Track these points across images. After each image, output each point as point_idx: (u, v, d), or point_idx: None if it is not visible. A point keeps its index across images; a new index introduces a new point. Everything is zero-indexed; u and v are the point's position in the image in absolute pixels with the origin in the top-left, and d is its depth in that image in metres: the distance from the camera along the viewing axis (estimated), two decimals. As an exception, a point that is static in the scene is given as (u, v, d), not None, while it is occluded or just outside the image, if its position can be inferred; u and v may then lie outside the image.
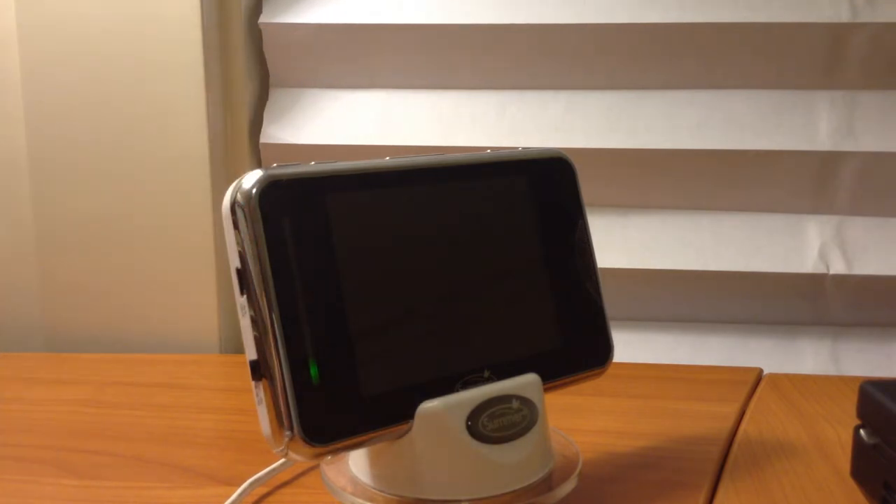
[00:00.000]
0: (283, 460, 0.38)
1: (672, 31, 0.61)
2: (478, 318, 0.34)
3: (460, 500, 0.32)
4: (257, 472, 0.38)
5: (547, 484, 0.34)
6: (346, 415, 0.30)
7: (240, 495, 0.36)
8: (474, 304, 0.34)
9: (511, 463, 0.33)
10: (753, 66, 0.62)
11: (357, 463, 0.34)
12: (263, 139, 0.65)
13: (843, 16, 0.59)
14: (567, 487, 0.34)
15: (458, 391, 0.32)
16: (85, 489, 0.39)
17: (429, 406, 0.31)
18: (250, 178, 0.29)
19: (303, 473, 0.39)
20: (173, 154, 0.62)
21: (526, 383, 0.34)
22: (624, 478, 0.38)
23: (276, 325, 0.29)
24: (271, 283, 0.28)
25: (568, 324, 0.36)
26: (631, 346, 0.62)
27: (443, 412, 0.31)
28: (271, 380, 0.29)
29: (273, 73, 0.67)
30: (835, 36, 0.60)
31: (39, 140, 0.63)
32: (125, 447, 0.43)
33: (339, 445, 0.30)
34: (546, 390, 0.35)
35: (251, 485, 0.37)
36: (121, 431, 0.46)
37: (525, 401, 0.33)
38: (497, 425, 0.32)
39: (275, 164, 0.30)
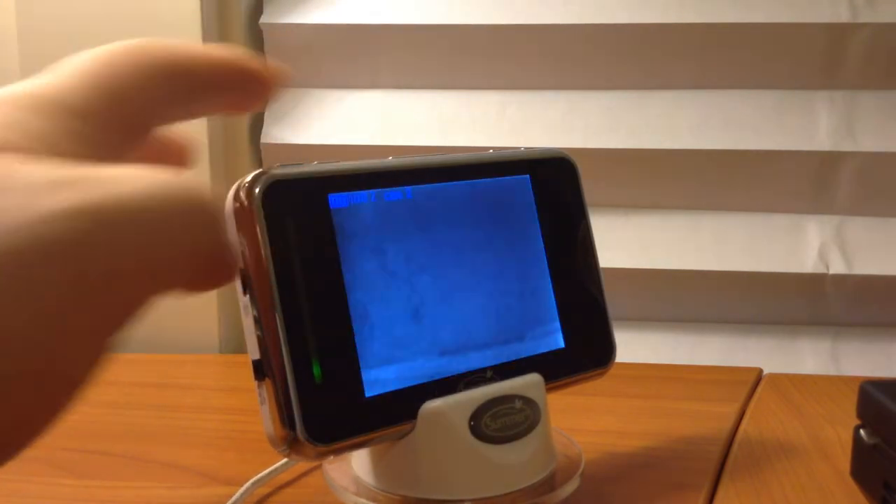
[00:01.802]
0: (284, 460, 0.38)
1: (672, 31, 0.61)
2: (480, 317, 0.34)
3: (463, 501, 0.32)
4: (258, 472, 0.38)
5: (549, 484, 0.34)
6: (350, 415, 0.30)
7: (241, 495, 0.36)
8: (477, 304, 0.34)
9: (514, 463, 0.33)
10: (753, 66, 0.62)
11: (359, 463, 0.34)
12: (264, 139, 0.65)
13: (843, 16, 0.59)
14: (570, 487, 0.34)
15: (460, 391, 0.32)
16: (84, 489, 0.39)
17: (432, 406, 0.31)
18: (253, 178, 0.29)
19: (305, 474, 0.39)
20: (173, 154, 0.62)
21: (528, 383, 0.34)
22: (624, 478, 0.38)
23: (279, 325, 0.29)
24: (274, 283, 0.29)
25: (570, 324, 0.36)
26: (631, 346, 0.62)
27: (446, 412, 0.31)
28: (274, 380, 0.29)
29: (273, 73, 0.66)
30: (835, 36, 0.60)
31: (39, 140, 0.63)
32: (125, 447, 0.43)
33: (342, 445, 0.30)
34: (548, 390, 0.35)
35: (253, 484, 0.37)
36: (121, 431, 0.46)
37: (527, 401, 0.33)
38: (500, 425, 0.32)
39: (277, 164, 0.31)
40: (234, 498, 0.36)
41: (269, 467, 0.38)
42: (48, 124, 0.22)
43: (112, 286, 0.20)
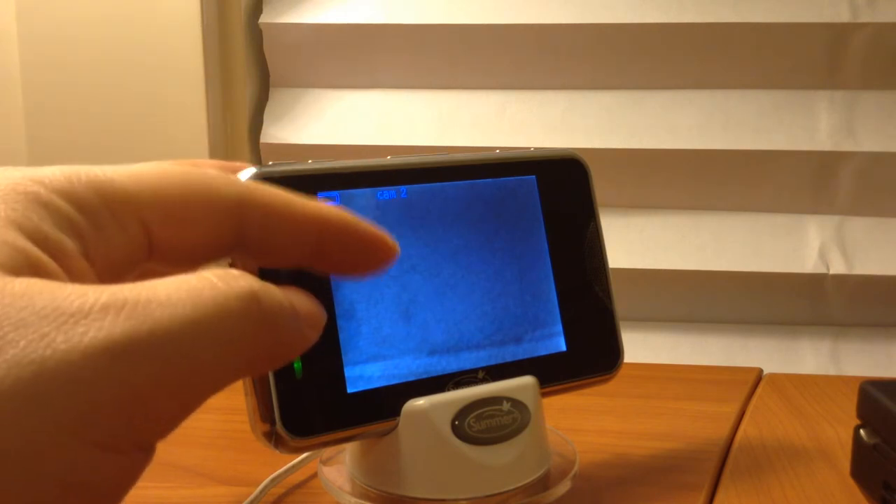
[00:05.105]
0: (299, 458, 0.38)
1: (672, 31, 0.61)
2: (474, 318, 0.34)
3: (446, 500, 0.32)
4: (257, 472, 0.38)
5: (542, 485, 0.34)
6: (330, 410, 0.30)
7: (259, 494, 0.36)
8: (471, 305, 0.34)
9: (497, 465, 0.32)
10: (753, 66, 0.62)
11: (351, 459, 0.34)
12: (264, 139, 0.65)
13: (843, 16, 0.59)
14: (560, 489, 0.34)
15: (448, 391, 0.32)
16: (85, 489, 0.39)
17: (414, 405, 0.32)
18: (244, 176, 0.30)
19: (314, 476, 0.39)
20: (173, 154, 0.62)
21: (518, 386, 0.34)
22: (624, 478, 0.38)
23: None
24: (257, 276, 0.29)
25: (574, 327, 0.36)
26: (631, 346, 0.62)
27: (428, 411, 0.32)
28: None
29: (273, 73, 0.67)
30: (835, 36, 0.60)
31: (39, 140, 0.63)
32: (125, 447, 0.43)
33: (321, 440, 0.30)
34: (549, 394, 0.35)
35: (272, 481, 0.37)
36: (121, 431, 0.46)
37: (517, 403, 0.33)
38: (484, 426, 0.32)
39: (271, 163, 0.31)
40: (251, 496, 0.36)
41: (270, 467, 0.38)
42: (112, 223, 0.21)
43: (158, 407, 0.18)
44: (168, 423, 0.19)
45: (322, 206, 0.24)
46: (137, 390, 0.18)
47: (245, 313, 0.20)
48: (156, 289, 0.19)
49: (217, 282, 0.20)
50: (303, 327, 0.22)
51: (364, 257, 0.25)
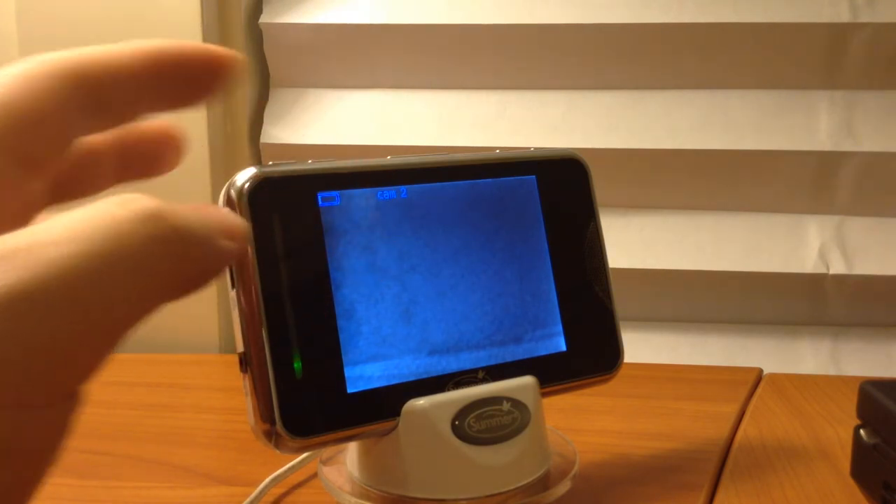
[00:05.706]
0: (299, 458, 0.38)
1: (672, 31, 0.61)
2: (474, 318, 0.34)
3: (445, 500, 0.32)
4: (258, 471, 0.38)
5: (542, 485, 0.34)
6: (330, 410, 0.30)
7: (259, 493, 0.36)
8: (471, 305, 0.34)
9: (497, 465, 0.32)
10: (753, 66, 0.62)
11: (352, 459, 0.34)
12: (264, 139, 0.65)
13: (843, 16, 0.59)
14: (560, 490, 0.34)
15: (448, 391, 0.32)
16: (85, 489, 0.39)
17: (415, 405, 0.32)
18: (243, 176, 0.30)
19: (314, 476, 0.39)
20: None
21: (518, 386, 0.34)
22: (624, 478, 0.38)
23: (261, 319, 0.29)
24: (257, 279, 0.29)
25: (574, 327, 0.36)
26: (631, 346, 0.62)
27: (428, 411, 0.32)
28: (255, 372, 0.29)
29: (273, 73, 0.67)
30: (835, 36, 0.60)
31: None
32: (125, 447, 0.43)
33: (321, 439, 0.30)
34: (549, 394, 0.35)
35: (272, 481, 0.37)
36: (121, 431, 0.46)
37: (517, 403, 0.33)
38: (484, 426, 0.32)
39: (270, 163, 0.31)
40: (251, 496, 0.36)
41: (270, 467, 0.38)
42: None
43: (72, 348, 0.17)
44: (87, 367, 0.18)
45: (145, 42, 0.23)
46: (44, 341, 0.17)
47: (150, 235, 0.19)
48: (49, 230, 0.18)
49: (114, 208, 0.19)
50: (217, 239, 0.21)
51: (206, 74, 0.24)
